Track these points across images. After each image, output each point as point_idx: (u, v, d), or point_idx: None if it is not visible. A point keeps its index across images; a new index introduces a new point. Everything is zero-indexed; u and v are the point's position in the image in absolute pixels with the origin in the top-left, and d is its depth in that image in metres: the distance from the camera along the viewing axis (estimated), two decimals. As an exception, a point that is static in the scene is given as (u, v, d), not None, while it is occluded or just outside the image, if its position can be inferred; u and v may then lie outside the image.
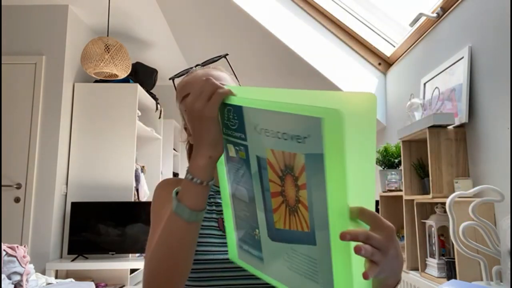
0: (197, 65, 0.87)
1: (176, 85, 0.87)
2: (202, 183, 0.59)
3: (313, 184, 0.48)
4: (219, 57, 0.86)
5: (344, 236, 0.45)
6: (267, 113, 0.50)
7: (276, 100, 0.50)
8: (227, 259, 0.78)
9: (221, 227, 0.82)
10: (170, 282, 0.62)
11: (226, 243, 0.79)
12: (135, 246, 3.40)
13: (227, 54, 0.86)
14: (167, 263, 0.62)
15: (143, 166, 4.13)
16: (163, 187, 0.86)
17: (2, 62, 3.34)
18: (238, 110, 0.55)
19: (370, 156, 0.49)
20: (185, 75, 0.86)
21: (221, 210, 0.84)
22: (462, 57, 1.62)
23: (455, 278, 1.36)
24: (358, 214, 0.48)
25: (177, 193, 0.62)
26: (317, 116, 0.44)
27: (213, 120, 0.57)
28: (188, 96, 0.61)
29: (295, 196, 0.51)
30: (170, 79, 0.89)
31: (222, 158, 0.62)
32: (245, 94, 0.57)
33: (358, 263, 0.49)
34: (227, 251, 0.79)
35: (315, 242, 0.50)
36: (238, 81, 0.89)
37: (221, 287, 0.78)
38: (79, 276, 3.19)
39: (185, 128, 0.90)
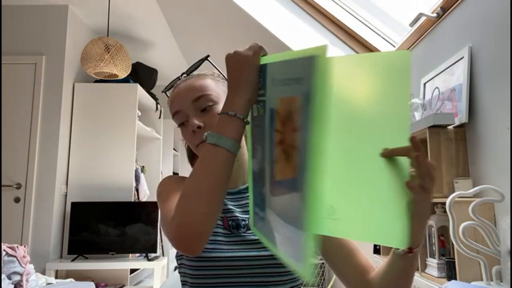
0: (182, 74, 0.88)
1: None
2: (243, 119, 0.64)
3: (302, 125, 0.50)
4: (201, 61, 0.87)
5: (413, 138, 0.56)
6: (280, 64, 0.57)
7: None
8: (232, 256, 0.79)
9: (226, 226, 0.84)
10: (214, 207, 0.63)
11: (231, 241, 0.81)
12: (135, 246, 3.40)
13: (208, 56, 0.87)
14: (207, 192, 0.62)
15: (143, 166, 4.13)
16: (169, 179, 0.89)
17: (2, 62, 3.34)
18: (263, 69, 0.62)
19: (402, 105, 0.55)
20: (174, 86, 0.89)
21: (226, 210, 0.86)
22: (462, 57, 1.62)
23: (455, 278, 1.36)
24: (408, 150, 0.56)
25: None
26: (307, 55, 0.49)
27: (256, 68, 0.64)
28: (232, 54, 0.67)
29: (291, 140, 0.53)
30: (162, 92, 0.92)
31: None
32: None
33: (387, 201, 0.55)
34: (232, 249, 0.80)
35: (298, 189, 0.50)
36: (225, 78, 0.89)
37: (225, 284, 0.80)
38: (79, 276, 3.19)
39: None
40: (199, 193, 0.61)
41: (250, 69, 0.64)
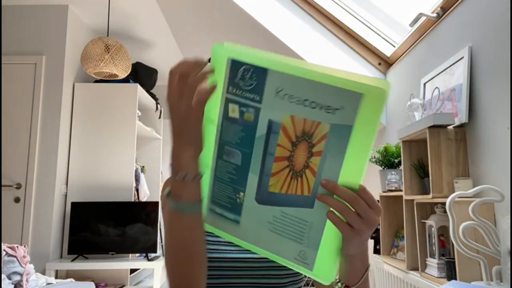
0: None
1: None
2: (195, 178, 0.59)
3: (330, 153, 0.52)
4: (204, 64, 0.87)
5: (328, 185, 0.52)
6: (299, 80, 0.52)
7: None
8: (234, 258, 0.80)
9: None
10: (194, 278, 0.61)
11: (233, 242, 0.81)
12: (135, 246, 3.40)
13: (210, 59, 0.87)
14: (187, 262, 0.61)
15: (143, 166, 4.13)
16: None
17: (2, 62, 3.34)
18: (260, 72, 0.54)
19: (368, 143, 0.51)
20: None
21: None
22: (462, 57, 1.62)
23: (455, 278, 1.36)
24: (360, 190, 0.53)
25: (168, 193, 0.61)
26: (358, 91, 0.48)
27: (201, 120, 0.57)
28: (167, 94, 0.58)
29: (304, 161, 0.54)
30: None
31: (212, 116, 0.59)
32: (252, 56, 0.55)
33: (332, 238, 0.56)
34: (235, 250, 0.80)
35: (313, 205, 0.55)
36: None
37: (228, 284, 0.80)
38: (79, 276, 3.19)
39: None
40: (181, 263, 0.60)
41: (193, 126, 0.56)
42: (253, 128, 0.57)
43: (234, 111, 0.58)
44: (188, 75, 0.55)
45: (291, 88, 0.53)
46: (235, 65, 0.56)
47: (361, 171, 0.51)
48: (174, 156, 0.59)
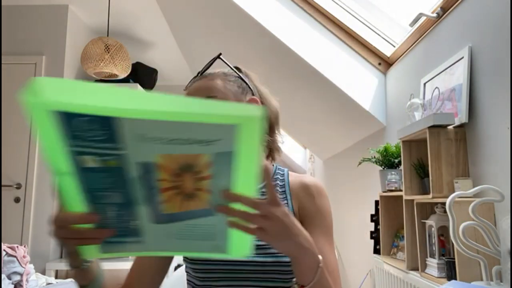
0: (198, 73, 0.89)
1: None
2: (78, 267, 0.67)
3: (219, 174, 0.53)
4: (214, 60, 0.88)
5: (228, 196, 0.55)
6: (162, 123, 0.46)
7: (151, 108, 0.46)
8: (242, 261, 0.79)
9: None
10: None
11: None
12: (135, 246, 3.40)
13: (220, 54, 0.88)
14: None
15: (143, 166, 4.13)
16: None
17: (2, 62, 3.34)
18: (109, 121, 0.46)
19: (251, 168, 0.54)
20: (191, 84, 0.89)
21: None
22: (462, 57, 1.62)
23: (455, 278, 1.36)
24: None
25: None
26: (231, 123, 0.47)
27: None
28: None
29: (194, 186, 0.55)
30: (184, 90, 0.92)
31: (61, 169, 0.51)
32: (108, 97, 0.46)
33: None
34: None
35: (214, 214, 0.57)
36: (239, 76, 0.91)
37: (231, 287, 0.80)
38: (79, 276, 3.18)
39: None
40: None
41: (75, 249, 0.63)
42: (123, 172, 0.52)
43: (91, 161, 0.51)
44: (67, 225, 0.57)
45: (155, 131, 0.47)
46: (65, 117, 0.45)
47: (253, 185, 0.54)
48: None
